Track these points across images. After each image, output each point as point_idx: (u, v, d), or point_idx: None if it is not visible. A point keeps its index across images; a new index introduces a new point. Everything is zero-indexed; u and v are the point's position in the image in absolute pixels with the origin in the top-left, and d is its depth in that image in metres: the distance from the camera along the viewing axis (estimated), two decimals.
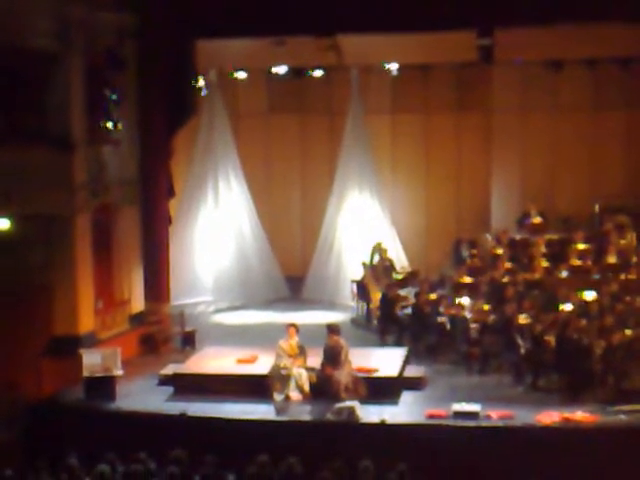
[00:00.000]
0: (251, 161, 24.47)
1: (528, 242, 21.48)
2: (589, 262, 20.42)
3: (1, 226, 17.05)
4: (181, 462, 11.96)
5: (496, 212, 24.24)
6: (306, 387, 15.94)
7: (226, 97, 23.71)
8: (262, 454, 12.10)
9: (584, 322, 16.77)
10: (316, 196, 24.83)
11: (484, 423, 14.73)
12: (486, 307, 18.19)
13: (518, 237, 22.00)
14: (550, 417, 14.71)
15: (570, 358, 15.97)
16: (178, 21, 19.08)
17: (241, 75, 23.61)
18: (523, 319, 17.17)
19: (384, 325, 19.63)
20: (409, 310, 19.18)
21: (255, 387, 16.13)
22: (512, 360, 16.87)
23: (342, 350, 15.94)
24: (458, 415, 14.89)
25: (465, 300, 18.71)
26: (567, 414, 14.74)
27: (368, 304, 21.25)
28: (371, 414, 15.15)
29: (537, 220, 22.58)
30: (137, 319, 19.62)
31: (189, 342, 19.54)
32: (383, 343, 19.28)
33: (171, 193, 20.79)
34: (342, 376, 15.71)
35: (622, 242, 21.01)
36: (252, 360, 17.21)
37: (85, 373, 16.27)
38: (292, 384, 15.90)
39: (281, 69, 23.12)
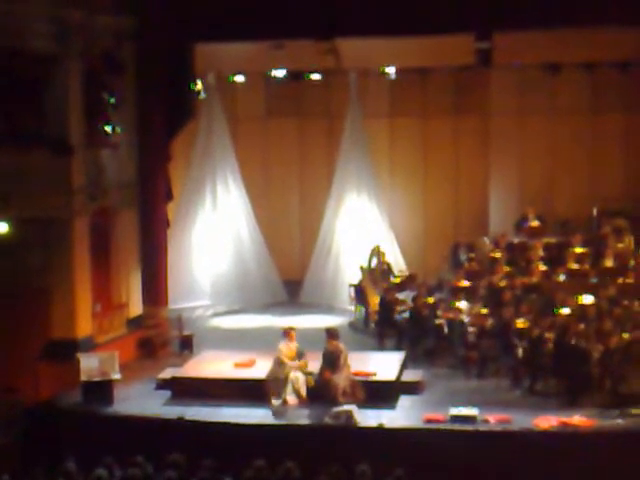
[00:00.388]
0: (249, 164, 24.48)
1: (526, 246, 21.49)
2: (587, 266, 20.43)
3: None
4: (179, 466, 11.95)
5: (494, 216, 24.24)
6: (303, 391, 15.92)
7: (224, 100, 23.73)
8: (259, 458, 12.10)
9: (582, 326, 16.78)
10: (314, 200, 24.83)
11: (482, 427, 14.72)
12: (484, 311, 18.18)
13: (516, 241, 22.00)
14: (548, 421, 14.71)
15: (568, 362, 15.97)
16: (177, 24, 19.07)
17: (239, 78, 23.64)
18: (521, 323, 17.17)
19: (382, 329, 19.60)
20: (407, 314, 19.17)
21: (253, 391, 16.10)
22: (510, 364, 16.87)
23: (341, 355, 15.93)
24: (456, 419, 14.89)
25: (463, 304, 18.72)
26: (565, 418, 14.75)
27: (366, 308, 21.24)
28: (369, 418, 15.15)
29: (535, 224, 22.58)
30: (135, 323, 19.61)
31: (187, 346, 19.52)
32: (381, 347, 19.25)
33: (169, 196, 20.78)
34: (340, 380, 15.70)
35: (620, 246, 21.02)
36: (250, 364, 17.20)
37: (83, 377, 16.26)
38: (289, 388, 15.88)
39: (279, 73, 23.13)
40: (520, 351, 16.57)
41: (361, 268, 21.85)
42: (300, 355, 16.19)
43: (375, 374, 16.43)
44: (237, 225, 23.78)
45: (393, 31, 19.32)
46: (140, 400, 16.50)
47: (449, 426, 14.79)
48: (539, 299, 18.85)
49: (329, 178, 24.02)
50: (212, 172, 23.49)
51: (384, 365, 17.01)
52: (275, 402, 15.79)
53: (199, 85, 22.11)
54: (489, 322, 17.68)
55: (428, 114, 24.80)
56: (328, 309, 22.94)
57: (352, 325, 21.39)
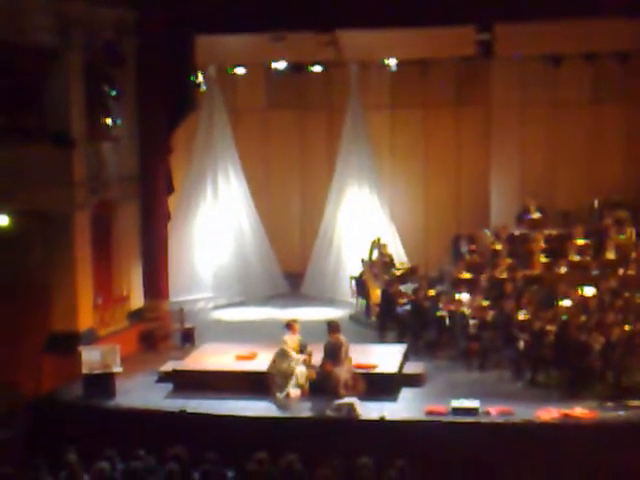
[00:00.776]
0: (250, 157, 24.47)
1: (527, 238, 21.47)
2: (588, 258, 20.42)
3: (0, 223, 17.05)
4: (180, 459, 11.98)
5: (495, 207, 24.22)
6: (305, 385, 15.95)
7: (225, 93, 23.71)
8: (261, 451, 12.12)
9: (583, 318, 16.78)
10: (315, 192, 24.83)
11: (483, 419, 14.73)
12: (485, 303, 18.19)
13: (517, 233, 21.97)
14: (549, 413, 14.71)
15: (569, 354, 15.98)
16: (177, 16, 19.04)
17: (240, 71, 23.61)
18: (522, 315, 17.18)
19: (383, 321, 19.61)
20: (408, 306, 19.17)
21: (254, 383, 16.13)
22: (511, 356, 16.87)
23: (342, 347, 15.94)
24: (457, 411, 14.89)
25: (464, 296, 18.71)
26: (566, 410, 14.74)
27: (367, 300, 21.24)
28: (370, 410, 15.14)
29: (536, 215, 22.54)
30: (136, 316, 19.61)
31: (188, 339, 19.55)
32: (382, 339, 19.26)
33: (170, 189, 20.77)
34: (342, 373, 15.72)
35: (621, 237, 20.99)
36: (251, 357, 17.20)
37: (84, 370, 16.25)
38: (293, 381, 15.90)
39: (280, 65, 23.10)
40: (521, 343, 16.57)
41: (362, 261, 21.85)
42: (303, 348, 16.20)
43: (376, 366, 16.43)
44: (238, 217, 23.78)
45: (394, 23, 19.28)
46: (142, 393, 16.50)
47: (450, 418, 14.79)
48: (540, 291, 18.85)
49: (330, 170, 24.00)
50: (213, 165, 23.48)
51: (385, 357, 17.01)
52: (279, 395, 15.80)
53: (200, 77, 22.07)
54: (490, 314, 17.68)
55: (429, 106, 24.77)
56: (329, 301, 22.95)
57: (353, 317, 21.39)
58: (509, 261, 20.42)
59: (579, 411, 14.74)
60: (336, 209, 23.69)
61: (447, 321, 18.34)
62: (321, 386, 15.84)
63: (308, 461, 12.08)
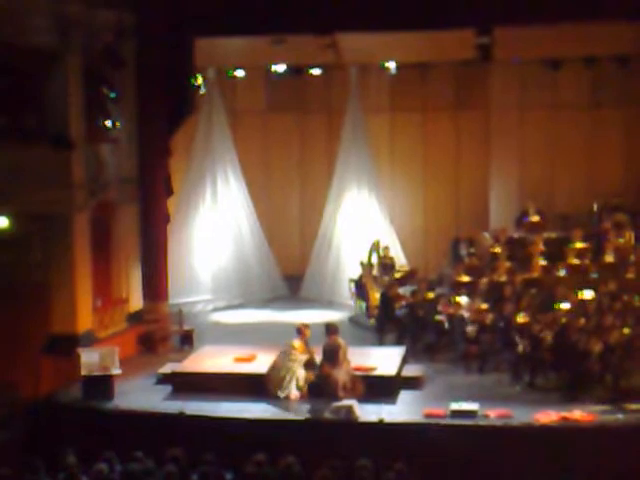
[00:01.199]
0: (249, 159, 24.48)
1: (526, 241, 21.46)
2: (587, 261, 20.42)
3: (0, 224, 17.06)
4: (179, 461, 11.95)
5: (494, 210, 24.23)
6: (304, 387, 15.97)
7: (225, 95, 23.72)
8: (260, 453, 12.10)
9: (582, 321, 16.78)
10: (315, 194, 24.85)
11: (482, 422, 14.72)
12: (484, 306, 18.18)
13: (516, 236, 21.99)
14: (548, 416, 14.70)
15: (568, 357, 15.98)
16: (177, 19, 19.04)
17: (240, 73, 23.62)
18: (521, 318, 17.17)
19: (382, 324, 19.61)
20: (407, 309, 19.16)
21: (253, 386, 16.13)
22: (510, 359, 16.87)
23: (340, 349, 15.93)
24: (456, 414, 14.88)
25: (463, 299, 18.70)
26: (565, 413, 14.74)
27: (366, 303, 21.24)
28: (369, 413, 15.14)
29: (535, 218, 22.55)
30: (135, 318, 19.60)
31: (187, 341, 19.54)
32: (381, 342, 19.26)
33: (169, 191, 20.76)
34: (340, 375, 15.71)
35: (620, 241, 20.98)
36: (250, 359, 17.21)
37: (83, 372, 16.24)
38: (294, 383, 15.92)
39: (280, 67, 23.13)
40: (520, 346, 16.57)
41: (361, 263, 21.84)
42: (309, 352, 16.26)
43: (375, 369, 16.43)
44: (237, 220, 23.78)
45: (393, 26, 19.29)
46: (140, 395, 16.50)
47: (449, 421, 14.79)
48: (539, 294, 18.85)
49: (329, 173, 24.01)
50: (212, 167, 23.49)
51: (384, 360, 17.01)
52: (281, 395, 15.83)
53: (199, 80, 22.13)
54: (489, 317, 17.68)
55: (428, 109, 24.78)
56: (328, 304, 22.95)
57: (352, 320, 21.39)
58: (508, 264, 20.41)
59: (578, 414, 14.74)
60: (335, 212, 23.70)
61: (446, 324, 18.34)
62: (320, 388, 15.83)
63: (307, 463, 12.04)
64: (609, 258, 20.42)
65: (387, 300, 19.66)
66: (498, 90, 24.09)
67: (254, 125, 25.22)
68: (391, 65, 23.17)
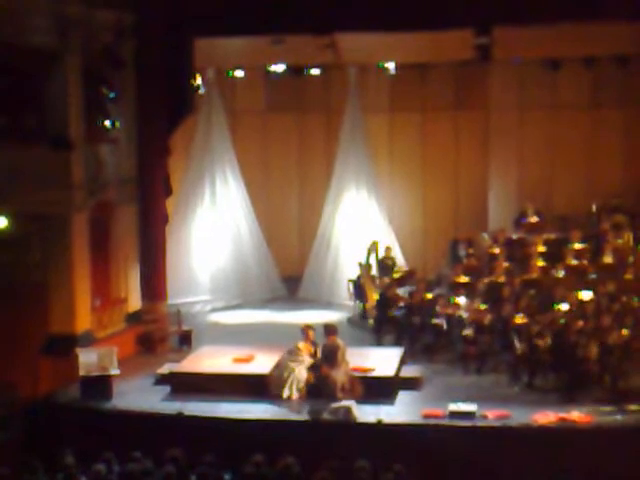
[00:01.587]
0: (248, 159, 24.48)
1: (525, 241, 21.46)
2: (586, 262, 20.41)
3: None
4: (177, 461, 11.95)
5: (493, 211, 24.24)
6: (303, 388, 15.98)
7: (224, 95, 23.74)
8: (258, 453, 12.10)
9: (581, 322, 16.78)
10: (313, 195, 24.85)
11: (480, 423, 14.72)
12: (483, 307, 18.18)
13: (515, 236, 21.97)
14: (546, 417, 14.71)
15: (566, 358, 15.98)
16: (176, 19, 19.04)
17: (239, 73, 23.64)
18: (520, 319, 17.17)
19: (381, 325, 19.60)
20: (406, 310, 19.16)
21: (252, 386, 16.14)
22: (508, 360, 16.87)
23: (339, 350, 15.95)
24: (454, 415, 14.89)
25: (462, 300, 18.71)
26: (563, 414, 14.75)
27: (365, 303, 21.24)
28: (367, 414, 15.14)
29: (534, 219, 22.55)
30: (134, 318, 19.60)
31: (186, 341, 19.53)
32: (379, 343, 19.26)
33: (168, 191, 20.76)
34: (339, 376, 15.72)
35: (619, 242, 20.99)
36: (249, 359, 17.21)
37: (81, 372, 16.25)
38: (296, 385, 15.94)
39: (279, 67, 23.13)
40: (519, 347, 16.57)
41: (359, 264, 21.84)
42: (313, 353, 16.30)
43: (374, 370, 16.44)
44: (236, 220, 23.78)
45: (392, 26, 19.28)
46: (139, 395, 16.49)
47: (448, 422, 14.79)
48: (538, 295, 18.84)
49: (328, 173, 24.02)
50: (211, 167, 23.49)
51: (383, 361, 17.01)
52: (284, 394, 15.88)
53: (198, 80, 22.10)
54: (488, 318, 17.68)
55: (428, 109, 24.78)
56: (327, 304, 22.94)
57: (351, 321, 21.38)
58: (507, 265, 20.41)
59: (576, 415, 14.75)
60: (334, 212, 23.70)
61: (444, 325, 18.33)
62: (318, 389, 15.84)
63: (305, 464, 12.05)
64: (608, 259, 20.42)
65: (385, 301, 19.66)
66: (497, 90, 24.10)
67: (253, 125, 25.22)
68: (390, 65, 23.18)
